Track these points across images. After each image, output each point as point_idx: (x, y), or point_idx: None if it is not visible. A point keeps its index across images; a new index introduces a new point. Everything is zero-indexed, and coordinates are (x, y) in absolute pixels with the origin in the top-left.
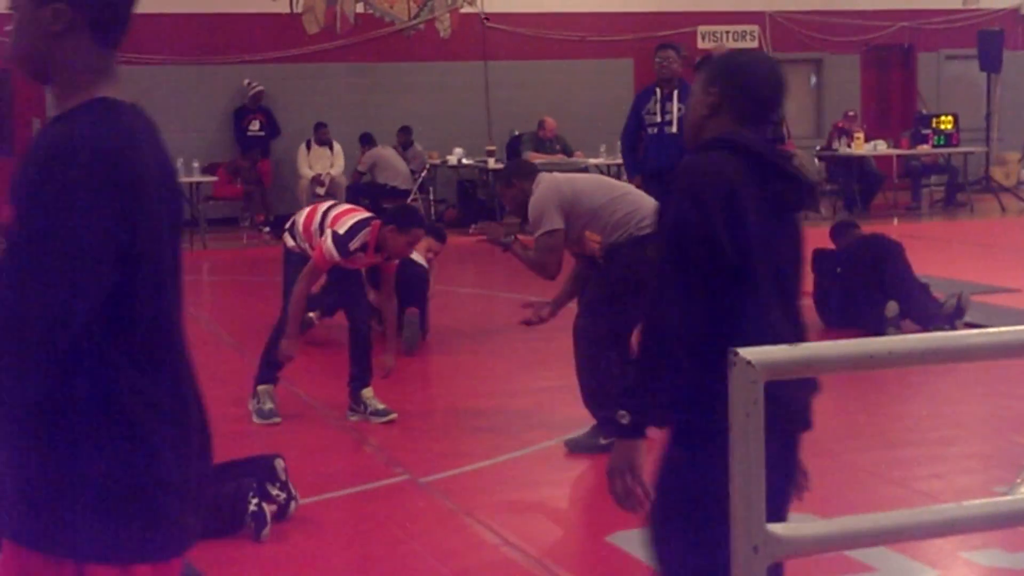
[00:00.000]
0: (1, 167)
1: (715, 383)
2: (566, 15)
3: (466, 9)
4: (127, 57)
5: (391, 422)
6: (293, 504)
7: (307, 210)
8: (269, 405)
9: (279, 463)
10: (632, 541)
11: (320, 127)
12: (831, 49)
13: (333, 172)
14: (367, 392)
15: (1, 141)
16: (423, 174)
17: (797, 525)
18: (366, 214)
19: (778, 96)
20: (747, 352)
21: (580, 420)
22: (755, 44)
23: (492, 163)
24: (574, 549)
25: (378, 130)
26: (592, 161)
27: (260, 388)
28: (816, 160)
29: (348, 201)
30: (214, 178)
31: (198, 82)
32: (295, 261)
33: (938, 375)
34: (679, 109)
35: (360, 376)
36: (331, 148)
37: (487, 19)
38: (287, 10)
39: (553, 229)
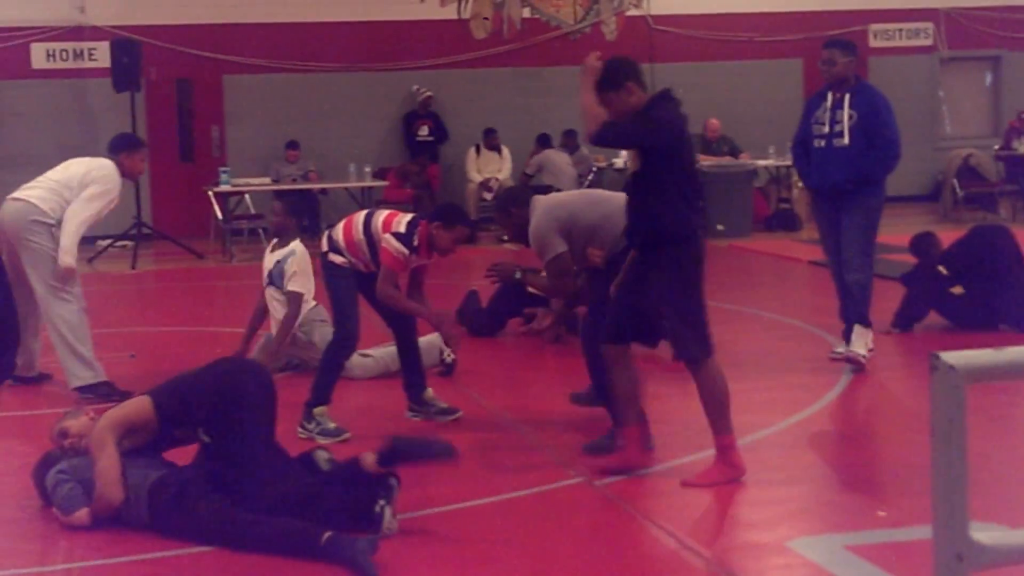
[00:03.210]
0: (184, 173)
1: None
2: (733, 15)
3: (632, 12)
4: (302, 65)
5: (457, 420)
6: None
7: (342, 224)
8: (332, 424)
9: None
10: (815, 548)
11: (490, 133)
12: (1009, 46)
13: (501, 177)
14: (428, 393)
15: (182, 149)
16: (589, 177)
17: (1003, 534)
18: (411, 215)
19: None
20: (950, 356)
21: (753, 424)
22: (929, 42)
23: None
24: (754, 554)
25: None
26: (760, 163)
27: (316, 411)
28: (994, 160)
29: None
30: (385, 182)
31: (369, 88)
32: (345, 275)
33: None
34: (850, 117)
35: (419, 383)
36: (499, 152)
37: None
38: (455, 16)
39: (558, 254)
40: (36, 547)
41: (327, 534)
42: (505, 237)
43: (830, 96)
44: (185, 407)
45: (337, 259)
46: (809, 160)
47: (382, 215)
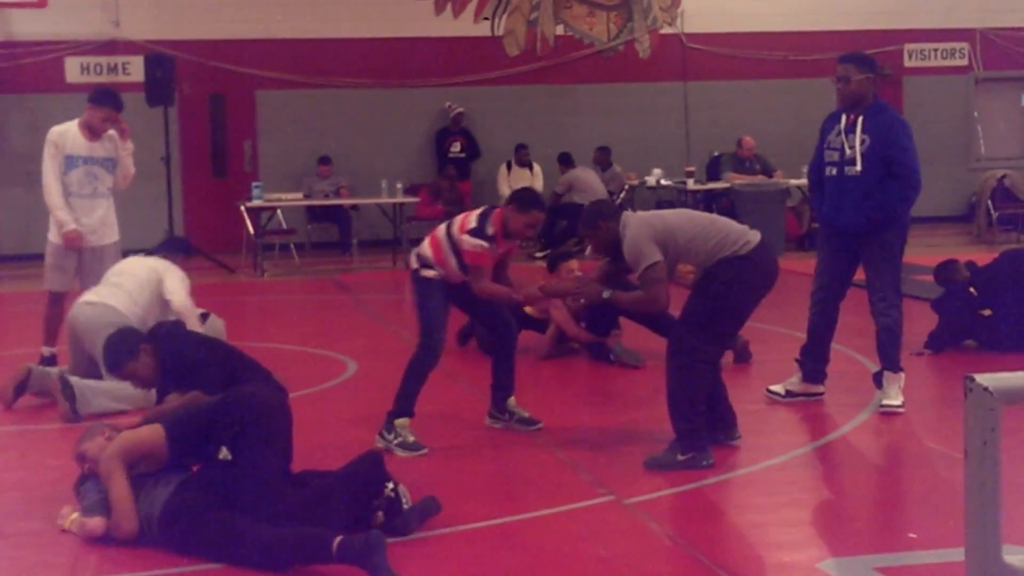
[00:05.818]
0: (217, 188)
1: None
2: (766, 34)
3: (666, 30)
4: (335, 81)
5: (538, 431)
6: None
7: (428, 240)
8: (412, 438)
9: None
10: (845, 569)
11: (521, 148)
12: None
13: None
14: (512, 401)
15: (215, 164)
16: (621, 195)
17: None
18: (483, 208)
19: None
20: (984, 379)
21: (785, 444)
22: (964, 62)
23: (691, 184)
24: (784, 575)
25: (577, 151)
26: (793, 182)
27: (397, 423)
28: None
29: (546, 223)
30: (416, 199)
31: (402, 104)
32: (435, 289)
33: None
34: (863, 142)
35: (506, 388)
36: (531, 169)
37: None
38: (489, 33)
39: (654, 262)
40: (66, 560)
41: (338, 538)
42: (539, 253)
43: (843, 119)
44: (202, 437)
45: (429, 273)
46: (823, 190)
47: (457, 221)
